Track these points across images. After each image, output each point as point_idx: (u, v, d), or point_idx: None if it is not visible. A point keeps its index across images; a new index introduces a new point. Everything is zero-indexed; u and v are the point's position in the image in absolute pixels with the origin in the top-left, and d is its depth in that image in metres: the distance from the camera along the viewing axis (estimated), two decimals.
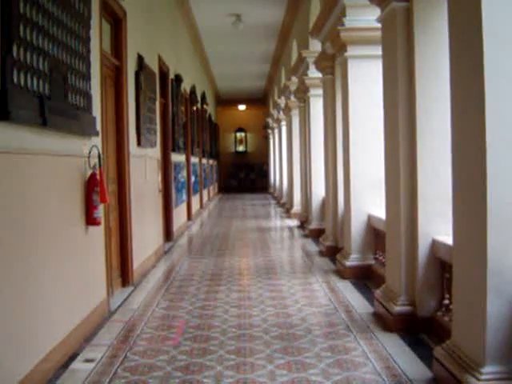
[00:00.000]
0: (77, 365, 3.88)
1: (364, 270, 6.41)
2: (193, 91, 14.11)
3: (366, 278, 6.32)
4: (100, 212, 4.74)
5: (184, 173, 12.30)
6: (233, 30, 13.22)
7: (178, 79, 10.83)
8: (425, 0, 4.26)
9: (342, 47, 6.45)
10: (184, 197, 12.06)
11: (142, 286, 6.35)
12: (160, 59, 8.85)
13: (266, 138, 26.01)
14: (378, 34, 5.12)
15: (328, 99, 7.95)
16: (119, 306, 5.41)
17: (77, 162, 4.44)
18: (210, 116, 21.22)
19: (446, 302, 4.16)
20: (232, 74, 20.85)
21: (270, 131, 23.19)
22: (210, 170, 20.79)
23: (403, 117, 4.42)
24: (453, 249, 3.50)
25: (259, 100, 27.45)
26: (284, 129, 16.56)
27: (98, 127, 4.93)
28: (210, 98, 21.07)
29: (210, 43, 15.74)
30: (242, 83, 23.36)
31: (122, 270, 6.16)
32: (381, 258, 6.04)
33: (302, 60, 10.27)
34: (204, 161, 18.36)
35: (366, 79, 6.27)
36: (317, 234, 9.60)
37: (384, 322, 4.65)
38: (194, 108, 14.68)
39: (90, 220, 4.62)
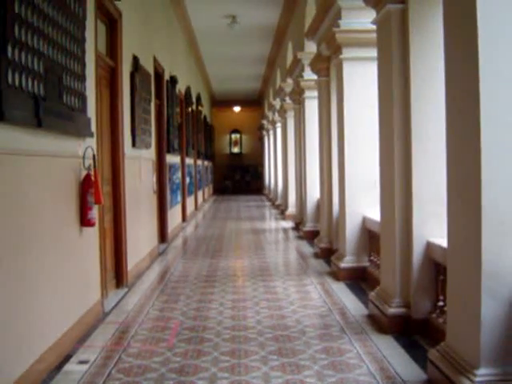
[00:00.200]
0: (70, 366, 3.87)
1: (359, 271, 6.42)
2: (188, 92, 14.10)
3: (360, 280, 6.32)
4: (94, 213, 4.74)
5: (179, 174, 12.29)
6: (228, 31, 13.22)
7: (173, 80, 10.82)
8: (420, 2, 4.27)
9: (338, 49, 6.45)
10: (179, 198, 12.05)
11: (137, 287, 6.34)
12: (155, 60, 8.84)
13: (261, 140, 26.01)
14: (374, 36, 5.13)
15: (323, 101, 7.95)
16: (113, 308, 5.40)
17: (71, 163, 4.43)
18: (205, 117, 21.21)
19: (441, 303, 4.16)
20: (227, 75, 20.85)
21: (265, 133, 23.18)
22: (204, 171, 20.77)
23: (398, 118, 4.43)
24: (447, 251, 3.50)
25: (254, 101, 27.45)
26: (279, 130, 16.56)
27: (93, 128, 4.93)
28: (205, 100, 21.06)
29: (205, 44, 15.73)
30: (238, 85, 23.35)
31: (116, 272, 6.14)
32: (375, 259, 6.04)
33: (297, 62, 10.28)
34: (199, 162, 18.35)
35: (361, 81, 6.27)
36: (311, 236, 9.59)
37: (378, 323, 4.65)
38: (189, 109, 14.66)
39: (85, 221, 4.61)
